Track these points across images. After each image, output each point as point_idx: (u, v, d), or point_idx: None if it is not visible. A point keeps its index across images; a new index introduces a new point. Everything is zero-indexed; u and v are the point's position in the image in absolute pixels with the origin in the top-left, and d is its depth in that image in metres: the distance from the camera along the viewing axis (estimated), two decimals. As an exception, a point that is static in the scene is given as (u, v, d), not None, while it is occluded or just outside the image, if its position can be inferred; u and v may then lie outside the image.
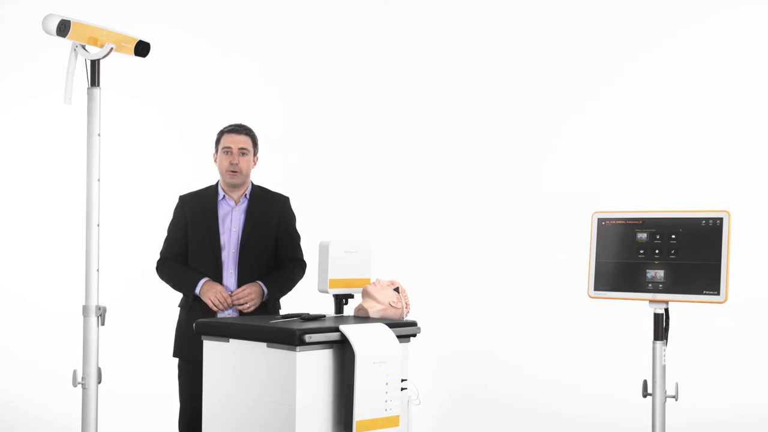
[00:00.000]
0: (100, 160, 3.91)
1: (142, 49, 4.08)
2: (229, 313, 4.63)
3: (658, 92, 6.87)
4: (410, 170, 7.29)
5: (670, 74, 6.89)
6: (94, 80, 3.91)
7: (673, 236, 4.09)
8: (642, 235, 4.17)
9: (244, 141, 4.71)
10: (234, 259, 4.67)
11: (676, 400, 4.10)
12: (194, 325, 4.00)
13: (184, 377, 4.69)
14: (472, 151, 7.22)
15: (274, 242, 4.77)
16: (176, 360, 4.80)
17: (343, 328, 3.61)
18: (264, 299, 4.65)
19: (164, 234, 4.86)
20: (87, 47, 3.90)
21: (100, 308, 3.85)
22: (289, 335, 3.50)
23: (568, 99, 7.07)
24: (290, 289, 4.80)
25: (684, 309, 4.36)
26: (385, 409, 3.64)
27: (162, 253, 4.82)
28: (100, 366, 3.87)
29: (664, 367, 4.10)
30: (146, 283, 7.05)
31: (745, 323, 6.15)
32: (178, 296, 4.83)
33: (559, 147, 7.10)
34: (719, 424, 6.09)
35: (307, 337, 3.51)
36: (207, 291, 4.55)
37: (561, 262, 6.56)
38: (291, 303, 4.86)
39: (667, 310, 4.10)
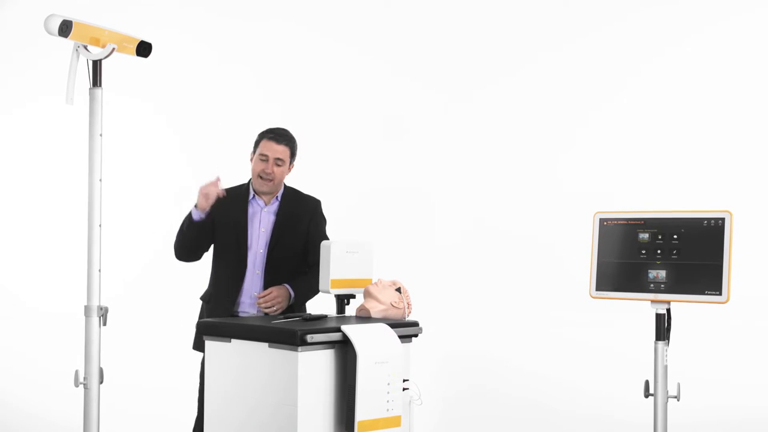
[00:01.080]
0: (102, 160, 3.90)
1: (144, 49, 4.08)
2: (254, 314, 4.56)
3: (660, 94, 6.88)
4: (412, 170, 7.29)
5: (672, 76, 6.90)
6: (96, 80, 3.90)
7: (675, 236, 4.08)
8: (644, 236, 4.16)
9: (282, 152, 4.57)
10: (261, 261, 4.59)
11: (678, 400, 4.09)
12: (195, 325, 3.99)
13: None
14: (474, 152, 7.23)
15: (303, 245, 4.67)
16: (187, 356, 4.73)
17: (344, 328, 3.61)
18: (290, 302, 4.55)
19: (175, 232, 4.72)
20: (89, 47, 3.89)
21: (101, 308, 3.85)
22: (291, 335, 3.49)
23: (571, 101, 7.08)
24: (317, 293, 4.63)
25: (686, 309, 4.35)
26: (387, 410, 3.63)
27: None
28: (101, 366, 3.86)
29: (665, 367, 4.09)
30: (148, 283, 7.10)
31: (747, 323, 6.16)
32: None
33: (562, 147, 7.10)
34: (721, 424, 6.09)
35: (309, 338, 3.50)
36: (197, 196, 4.42)
37: (563, 263, 6.56)
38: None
39: (668, 310, 4.10)
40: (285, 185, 4.74)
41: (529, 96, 7.18)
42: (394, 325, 3.84)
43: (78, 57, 3.90)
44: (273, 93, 7.49)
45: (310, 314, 3.96)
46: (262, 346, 3.61)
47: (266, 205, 4.64)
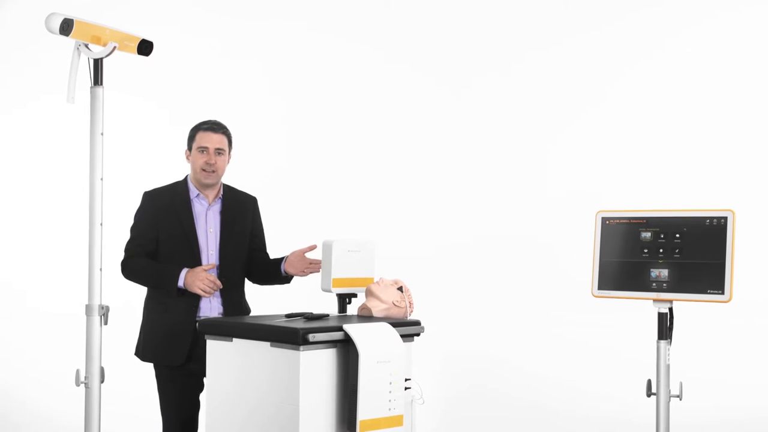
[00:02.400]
0: (103, 159, 3.90)
1: (145, 48, 4.08)
2: (216, 308, 4.48)
3: (662, 91, 6.86)
4: (414, 169, 7.28)
5: (674, 74, 6.89)
6: (97, 79, 3.90)
7: (678, 235, 4.07)
8: (646, 235, 4.15)
9: (219, 140, 4.53)
10: (215, 261, 4.51)
11: (681, 399, 4.08)
12: (197, 324, 3.99)
13: (170, 385, 4.49)
14: (476, 151, 7.22)
15: (248, 242, 4.66)
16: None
17: (346, 327, 3.60)
18: None
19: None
20: (90, 46, 3.89)
21: (103, 307, 3.84)
22: (293, 334, 3.49)
23: (572, 98, 7.07)
24: None
25: (688, 308, 4.34)
26: (389, 409, 3.63)
27: (128, 251, 4.53)
28: (102, 365, 3.86)
29: (668, 366, 4.07)
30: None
31: (750, 323, 6.14)
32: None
33: (564, 146, 7.09)
34: (724, 424, 6.08)
35: (311, 337, 3.49)
36: (193, 280, 4.31)
37: (565, 262, 6.55)
38: (294, 302, 4.85)
39: (671, 309, 4.09)
40: (222, 183, 4.67)
41: (530, 94, 7.18)
42: (396, 324, 3.84)
43: (79, 55, 3.90)
44: (275, 91, 7.48)
45: (311, 313, 3.95)
46: (264, 345, 3.61)
47: (210, 204, 4.56)
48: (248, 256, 4.67)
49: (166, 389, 4.45)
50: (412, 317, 4.17)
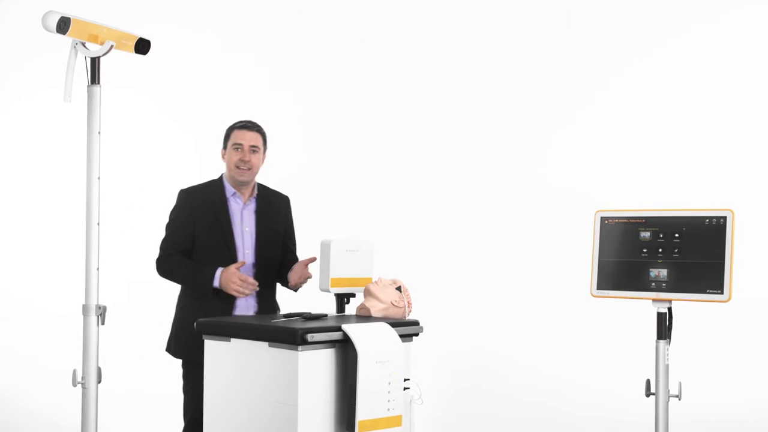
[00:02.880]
0: (101, 158, 3.88)
1: (142, 46, 4.05)
2: (252, 306, 4.52)
3: (661, 90, 6.86)
4: (413, 169, 7.27)
5: (673, 72, 6.88)
6: (95, 78, 3.88)
7: (677, 235, 4.06)
8: (645, 234, 4.14)
9: (254, 138, 4.57)
10: (251, 261, 4.55)
11: (680, 399, 4.07)
12: (195, 324, 3.97)
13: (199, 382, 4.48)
14: (475, 151, 7.21)
15: (281, 242, 4.69)
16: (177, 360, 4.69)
17: (345, 327, 3.59)
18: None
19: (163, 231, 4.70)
20: (87, 45, 3.87)
21: (100, 307, 3.82)
22: (292, 334, 3.48)
23: (571, 97, 7.06)
24: None
25: (687, 308, 4.33)
26: (388, 409, 3.62)
27: (164, 248, 4.57)
28: (100, 365, 3.84)
29: (667, 366, 4.07)
30: (148, 282, 7.04)
31: (749, 323, 6.13)
32: (178, 292, 4.73)
33: (562, 145, 7.08)
34: (723, 423, 6.07)
35: (310, 337, 3.48)
36: (227, 281, 4.32)
37: (563, 261, 6.54)
38: (292, 302, 4.83)
39: (670, 309, 4.08)
40: (256, 182, 4.70)
41: (529, 93, 7.17)
42: (395, 324, 3.83)
43: (76, 54, 3.88)
44: (274, 89, 7.46)
45: (310, 313, 3.94)
46: (263, 346, 3.60)
47: (245, 203, 4.59)
48: (281, 256, 4.70)
49: (195, 386, 4.38)
50: (411, 317, 4.16)
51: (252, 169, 4.54)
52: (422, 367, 4.25)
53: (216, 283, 4.37)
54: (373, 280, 4.28)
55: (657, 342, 4.08)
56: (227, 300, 4.44)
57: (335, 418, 3.61)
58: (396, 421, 3.65)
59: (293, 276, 4.57)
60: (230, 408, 3.73)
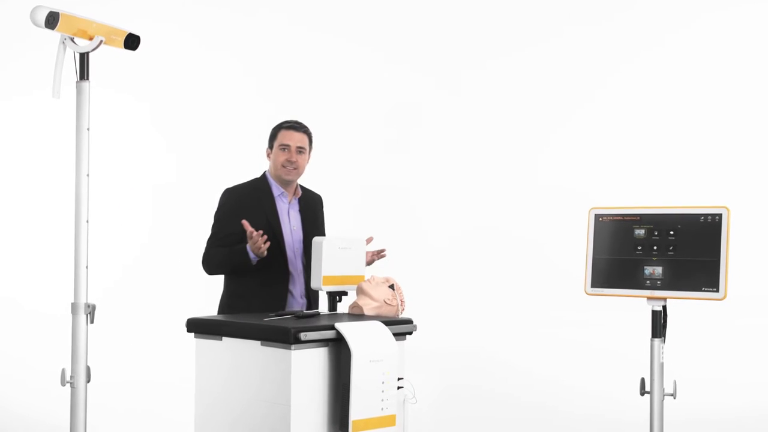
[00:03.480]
0: (89, 155, 3.84)
1: (132, 42, 3.99)
2: (302, 304, 4.54)
3: (657, 88, 6.87)
4: (406, 166, 7.24)
5: (669, 70, 6.89)
6: (83, 73, 3.84)
7: (672, 232, 4.04)
8: (640, 232, 4.11)
9: (301, 139, 4.59)
10: (300, 259, 4.58)
11: (675, 398, 4.05)
12: (186, 322, 3.92)
13: None
14: (468, 148, 7.20)
15: None
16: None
17: (338, 325, 3.55)
18: None
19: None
20: (76, 40, 3.81)
21: (89, 306, 3.77)
22: (284, 333, 3.43)
23: (566, 95, 7.06)
24: None
25: (683, 306, 4.31)
26: (382, 409, 3.58)
27: (208, 247, 4.57)
28: (89, 365, 3.80)
29: (662, 364, 4.05)
30: (136, 280, 7.02)
31: (745, 321, 6.12)
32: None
33: (556, 143, 7.06)
34: (718, 422, 6.05)
35: (303, 335, 3.44)
36: (253, 246, 4.25)
37: (558, 259, 6.53)
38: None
39: (665, 307, 4.05)
40: (298, 182, 4.72)
41: (524, 91, 7.16)
42: (388, 322, 3.79)
43: (65, 49, 3.82)
44: (265, 87, 7.43)
45: (302, 311, 3.90)
46: (255, 345, 3.56)
47: (290, 202, 4.63)
48: None
49: None
50: (404, 315, 4.14)
51: (298, 170, 4.58)
52: (416, 366, 4.22)
53: (252, 255, 4.34)
54: (366, 278, 4.24)
55: (652, 340, 4.05)
56: (277, 298, 4.46)
57: (328, 417, 3.57)
58: (390, 420, 3.61)
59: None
60: (222, 408, 3.68)
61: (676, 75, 6.84)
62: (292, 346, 3.42)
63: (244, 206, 4.51)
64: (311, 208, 4.74)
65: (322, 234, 4.76)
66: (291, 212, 4.63)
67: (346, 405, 3.48)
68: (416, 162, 7.25)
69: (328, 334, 3.55)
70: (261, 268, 4.41)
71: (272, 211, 4.55)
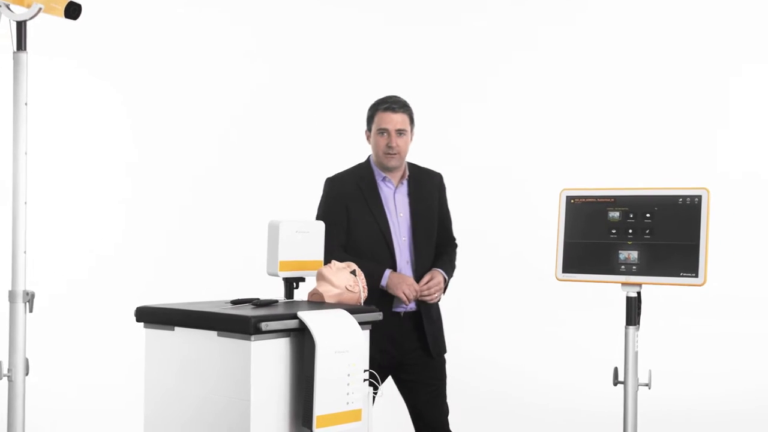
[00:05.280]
0: (28, 131, 3.71)
1: (72, 11, 3.81)
2: (411, 307, 4.28)
3: (631, 64, 6.86)
4: (363, 144, 7.14)
5: (641, 45, 6.93)
6: (21, 44, 3.69)
7: (648, 215, 3.91)
8: (614, 214, 3.98)
9: (401, 121, 4.27)
10: (408, 248, 4.30)
11: (650, 388, 3.93)
12: (135, 311, 3.67)
13: None
14: (433, 127, 7.07)
15: (436, 224, 4.42)
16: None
17: (301, 314, 3.33)
18: (445, 286, 4.33)
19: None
20: (12, 7, 3.63)
21: (27, 293, 3.67)
22: (244, 323, 3.20)
23: (537, 76, 7.00)
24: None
25: (658, 292, 4.19)
26: (347, 403, 3.37)
27: (326, 246, 4.22)
28: (27, 356, 3.70)
29: (636, 353, 3.92)
30: (79, 266, 6.74)
31: (725, 307, 6.06)
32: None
33: (526, 123, 6.97)
34: (695, 413, 6.01)
35: (264, 325, 3.21)
36: (398, 283, 4.14)
37: (527, 243, 6.43)
38: (232, 287, 4.62)
39: (639, 293, 3.91)
40: (406, 162, 4.42)
41: (493, 71, 7.09)
42: (353, 310, 3.58)
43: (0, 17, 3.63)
44: (215, 58, 7.20)
45: (259, 299, 3.67)
46: (210, 335, 3.32)
47: (396, 186, 4.33)
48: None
49: None
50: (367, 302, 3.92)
51: (400, 154, 4.29)
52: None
53: (384, 283, 4.17)
54: (326, 264, 4.03)
55: (626, 328, 3.93)
56: (383, 294, 4.22)
57: (290, 413, 3.36)
58: (355, 415, 3.41)
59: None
60: (174, 404, 3.44)
61: (651, 50, 6.82)
62: (252, 337, 3.20)
63: (346, 196, 4.30)
64: (423, 190, 4.39)
65: (436, 218, 4.42)
66: (397, 197, 4.33)
67: (309, 399, 3.27)
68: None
69: (291, 323, 3.33)
70: (368, 258, 4.22)
71: (375, 199, 4.29)
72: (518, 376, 6.42)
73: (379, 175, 4.34)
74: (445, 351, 4.40)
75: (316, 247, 4.13)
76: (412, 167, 4.45)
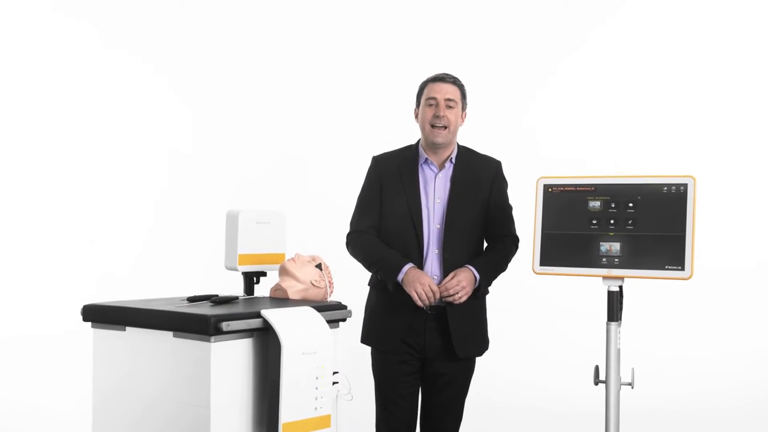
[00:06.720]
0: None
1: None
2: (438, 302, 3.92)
3: (619, 49, 6.82)
4: (329, 129, 6.95)
5: (634, 34, 6.85)
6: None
7: (631, 204, 3.68)
8: (595, 204, 3.75)
9: (452, 91, 3.96)
10: (438, 237, 3.94)
11: (632, 387, 3.71)
12: (81, 309, 3.38)
13: (378, 370, 4.03)
14: (398, 110, 6.94)
15: (484, 216, 4.05)
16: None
17: (265, 313, 3.09)
18: (476, 287, 3.92)
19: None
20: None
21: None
22: (203, 322, 2.96)
23: (520, 54, 6.86)
24: (503, 272, 4.07)
25: (641, 286, 4.00)
26: (315, 408, 3.14)
27: (354, 224, 4.07)
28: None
29: (618, 350, 3.70)
30: (26, 265, 6.44)
31: (711, 301, 5.93)
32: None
33: (503, 107, 6.82)
34: (679, 413, 5.87)
35: (224, 325, 2.97)
36: (412, 281, 3.79)
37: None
38: (186, 282, 4.38)
39: (621, 288, 3.70)
40: (458, 144, 4.09)
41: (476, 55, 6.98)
42: (320, 308, 3.35)
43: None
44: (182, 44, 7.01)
45: (218, 296, 3.41)
46: (166, 336, 3.07)
47: (439, 170, 4.00)
48: (485, 232, 4.07)
49: (378, 378, 4.03)
50: (332, 299, 3.73)
51: (449, 128, 3.95)
52: (349, 357, 3.79)
53: (400, 278, 3.84)
54: (289, 257, 3.79)
55: (608, 324, 3.70)
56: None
57: (254, 419, 3.13)
58: (324, 421, 3.18)
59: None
60: (125, 410, 3.19)
61: (643, 39, 6.78)
62: (212, 338, 2.96)
63: (384, 176, 4.01)
64: (471, 176, 4.03)
65: (482, 208, 4.04)
66: (438, 182, 3.98)
67: (275, 405, 3.05)
68: (342, 125, 6.99)
69: (254, 322, 3.09)
70: (396, 245, 3.95)
71: (412, 180, 3.98)
72: (493, 376, 6.24)
73: (422, 156, 4.04)
74: (479, 353, 4.09)
75: (277, 238, 3.91)
76: (464, 150, 4.12)
